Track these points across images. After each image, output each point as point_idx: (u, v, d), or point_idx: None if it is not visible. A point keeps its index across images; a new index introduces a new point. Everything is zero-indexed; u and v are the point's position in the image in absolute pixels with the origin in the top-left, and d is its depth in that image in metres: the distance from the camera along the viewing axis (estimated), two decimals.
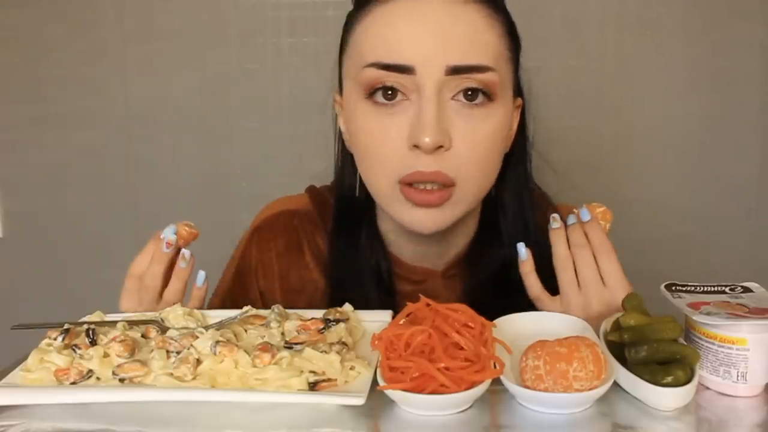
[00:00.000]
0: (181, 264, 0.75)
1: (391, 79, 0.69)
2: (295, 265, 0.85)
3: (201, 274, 0.77)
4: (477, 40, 0.69)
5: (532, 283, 0.74)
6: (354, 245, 0.82)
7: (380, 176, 0.72)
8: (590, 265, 0.71)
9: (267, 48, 1.38)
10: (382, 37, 0.69)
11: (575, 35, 1.34)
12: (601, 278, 0.71)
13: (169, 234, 0.74)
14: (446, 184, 0.70)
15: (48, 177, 1.46)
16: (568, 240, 0.73)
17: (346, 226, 0.83)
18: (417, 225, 0.72)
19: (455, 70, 0.68)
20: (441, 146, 0.68)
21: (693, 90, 1.36)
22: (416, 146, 0.68)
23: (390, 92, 0.69)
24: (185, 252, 0.76)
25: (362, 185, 0.78)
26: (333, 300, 0.82)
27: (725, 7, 1.33)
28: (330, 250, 0.84)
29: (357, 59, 0.72)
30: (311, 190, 0.89)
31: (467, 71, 0.68)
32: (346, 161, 0.83)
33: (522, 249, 0.75)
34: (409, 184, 0.70)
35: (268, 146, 1.41)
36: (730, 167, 1.39)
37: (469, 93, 0.69)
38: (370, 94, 0.70)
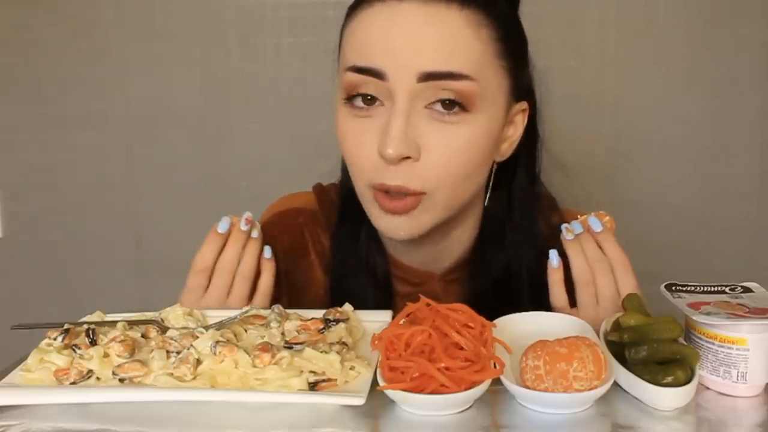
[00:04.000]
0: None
1: (367, 83, 0.68)
2: (299, 263, 0.85)
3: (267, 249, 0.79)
4: (455, 46, 0.66)
5: (558, 294, 0.73)
6: (354, 243, 0.83)
7: (357, 179, 0.73)
8: (611, 282, 0.71)
9: (267, 48, 1.38)
10: (359, 40, 0.69)
11: (575, 36, 1.34)
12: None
13: (227, 220, 0.76)
14: (413, 194, 0.69)
15: (48, 177, 1.46)
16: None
17: (348, 223, 0.83)
18: (389, 230, 0.72)
19: (428, 77, 0.66)
20: (408, 157, 0.67)
21: (693, 90, 1.36)
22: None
23: (369, 97, 0.69)
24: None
25: None
26: (334, 298, 0.82)
27: (726, 7, 1.33)
28: (332, 248, 0.85)
29: (341, 62, 0.72)
30: (317, 188, 0.89)
31: (441, 78, 0.66)
32: None
33: (554, 256, 0.74)
34: (378, 190, 0.70)
35: (268, 146, 1.41)
36: (731, 167, 1.39)
37: (447, 102, 0.67)
38: (349, 97, 0.70)
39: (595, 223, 0.73)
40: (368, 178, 0.70)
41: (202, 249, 0.75)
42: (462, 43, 0.67)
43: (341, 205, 0.85)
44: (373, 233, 0.83)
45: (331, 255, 0.85)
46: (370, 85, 0.68)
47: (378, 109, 0.69)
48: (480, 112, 0.68)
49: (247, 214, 0.76)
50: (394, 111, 0.67)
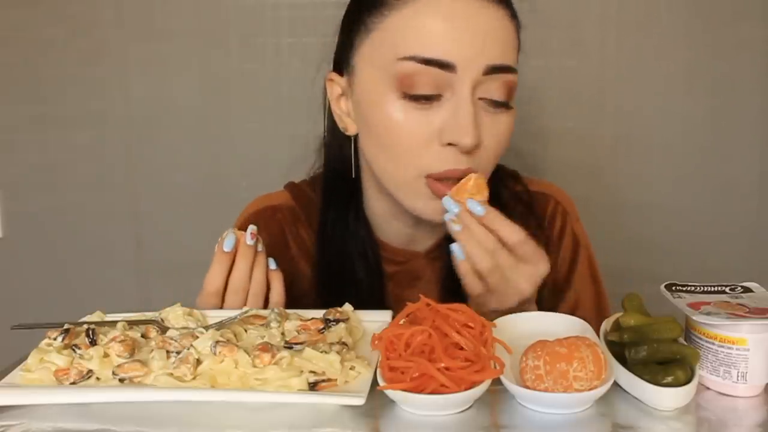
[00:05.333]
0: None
1: (429, 74, 0.69)
2: (281, 258, 0.86)
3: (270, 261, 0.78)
4: (508, 41, 0.72)
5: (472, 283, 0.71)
6: (343, 228, 0.84)
7: (406, 169, 0.73)
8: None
9: (267, 48, 1.38)
10: (425, 32, 0.70)
11: (575, 36, 1.34)
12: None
13: (233, 237, 0.74)
14: None
15: (48, 177, 1.46)
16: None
17: (334, 211, 0.85)
18: (432, 215, 0.74)
19: (492, 70, 0.70)
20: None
21: (693, 91, 1.36)
22: (451, 144, 0.70)
23: (428, 88, 0.70)
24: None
25: (357, 167, 0.80)
26: (321, 286, 0.84)
27: (726, 7, 1.33)
28: (318, 236, 0.86)
29: (388, 49, 0.71)
30: (290, 186, 0.91)
31: (502, 71, 0.71)
32: (335, 140, 0.84)
33: (457, 250, 0.70)
34: (438, 179, 0.72)
35: (268, 146, 1.41)
36: (731, 168, 1.39)
37: (497, 93, 0.71)
38: (405, 87, 0.70)
39: (476, 207, 0.69)
40: (426, 168, 0.72)
41: (211, 270, 0.74)
42: (509, 37, 0.72)
43: (326, 193, 0.86)
44: (361, 217, 0.84)
45: (318, 243, 0.86)
46: (431, 76, 0.69)
47: (437, 100, 0.71)
48: (514, 101, 0.74)
49: (252, 228, 0.75)
50: (462, 100, 0.70)
